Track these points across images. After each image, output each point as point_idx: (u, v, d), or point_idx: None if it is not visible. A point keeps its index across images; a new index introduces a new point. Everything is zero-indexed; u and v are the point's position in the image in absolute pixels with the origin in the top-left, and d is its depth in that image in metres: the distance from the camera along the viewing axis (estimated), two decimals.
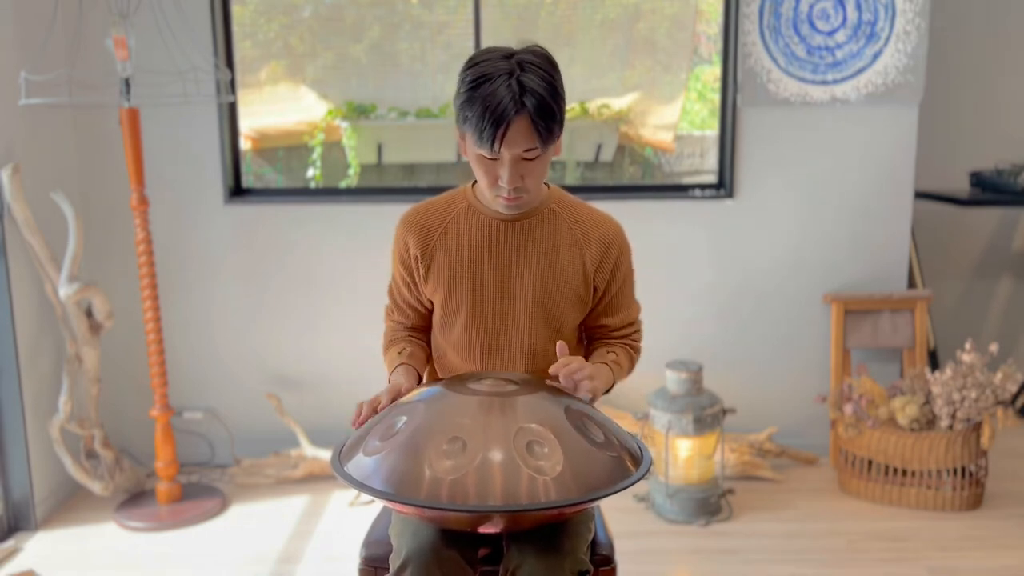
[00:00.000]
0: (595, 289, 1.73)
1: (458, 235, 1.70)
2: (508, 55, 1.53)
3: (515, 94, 1.48)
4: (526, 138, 1.51)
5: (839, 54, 3.13)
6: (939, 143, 3.67)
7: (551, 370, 1.56)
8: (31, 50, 2.85)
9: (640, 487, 3.07)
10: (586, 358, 1.81)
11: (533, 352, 1.71)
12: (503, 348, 1.70)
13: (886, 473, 2.99)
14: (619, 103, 3.38)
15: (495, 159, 1.55)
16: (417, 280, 1.73)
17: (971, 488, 2.93)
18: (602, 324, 1.78)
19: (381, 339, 1.84)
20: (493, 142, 1.50)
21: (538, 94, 1.48)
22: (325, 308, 3.29)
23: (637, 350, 1.82)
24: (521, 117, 1.49)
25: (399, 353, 1.74)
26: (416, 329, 1.81)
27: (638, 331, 1.82)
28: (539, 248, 1.70)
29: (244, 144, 3.33)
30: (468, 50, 3.17)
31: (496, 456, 1.32)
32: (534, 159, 1.55)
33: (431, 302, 1.76)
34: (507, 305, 1.70)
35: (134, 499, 3.06)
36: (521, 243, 1.69)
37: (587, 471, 1.35)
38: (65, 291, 2.80)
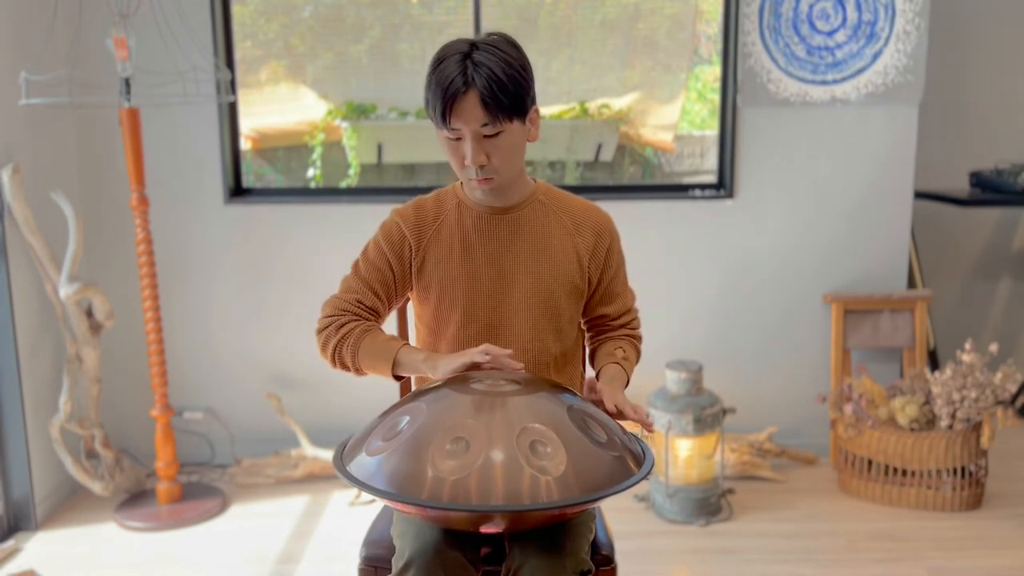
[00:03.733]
0: (589, 278, 1.74)
1: (450, 231, 1.70)
2: (470, 41, 1.57)
3: (465, 70, 1.52)
4: (477, 113, 1.53)
5: (839, 54, 3.13)
6: (939, 143, 3.68)
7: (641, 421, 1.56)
8: (31, 50, 2.84)
9: (640, 487, 3.07)
10: (592, 353, 1.83)
11: (531, 347, 1.71)
12: (501, 343, 1.70)
13: (886, 473, 2.99)
14: (619, 103, 3.38)
15: (459, 139, 1.57)
16: (401, 265, 1.70)
17: (971, 488, 2.93)
18: (602, 314, 1.79)
19: (327, 307, 1.71)
20: (444, 117, 1.54)
21: (487, 68, 1.52)
22: None
23: (639, 338, 1.84)
24: (471, 92, 1.52)
25: (393, 338, 1.66)
26: (372, 313, 1.70)
27: (636, 318, 1.84)
28: (531, 239, 1.70)
29: (244, 144, 3.33)
30: None
31: (499, 456, 1.32)
32: (496, 136, 1.56)
33: (392, 299, 1.72)
34: (503, 298, 1.70)
35: (134, 499, 3.06)
36: (513, 235, 1.70)
37: (590, 471, 1.35)
38: (65, 291, 2.80)
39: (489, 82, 1.51)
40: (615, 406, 1.58)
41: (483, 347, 1.55)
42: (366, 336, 1.65)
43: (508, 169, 1.62)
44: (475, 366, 1.55)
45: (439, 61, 1.55)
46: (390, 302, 1.72)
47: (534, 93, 1.61)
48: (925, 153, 3.48)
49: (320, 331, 1.69)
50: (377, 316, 1.71)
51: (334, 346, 1.66)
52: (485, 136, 1.56)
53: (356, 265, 1.74)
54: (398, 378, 1.65)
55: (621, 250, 1.79)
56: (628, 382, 1.73)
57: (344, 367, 1.67)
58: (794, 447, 3.31)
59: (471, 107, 1.53)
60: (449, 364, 1.56)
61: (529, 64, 1.59)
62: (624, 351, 1.77)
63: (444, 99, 1.52)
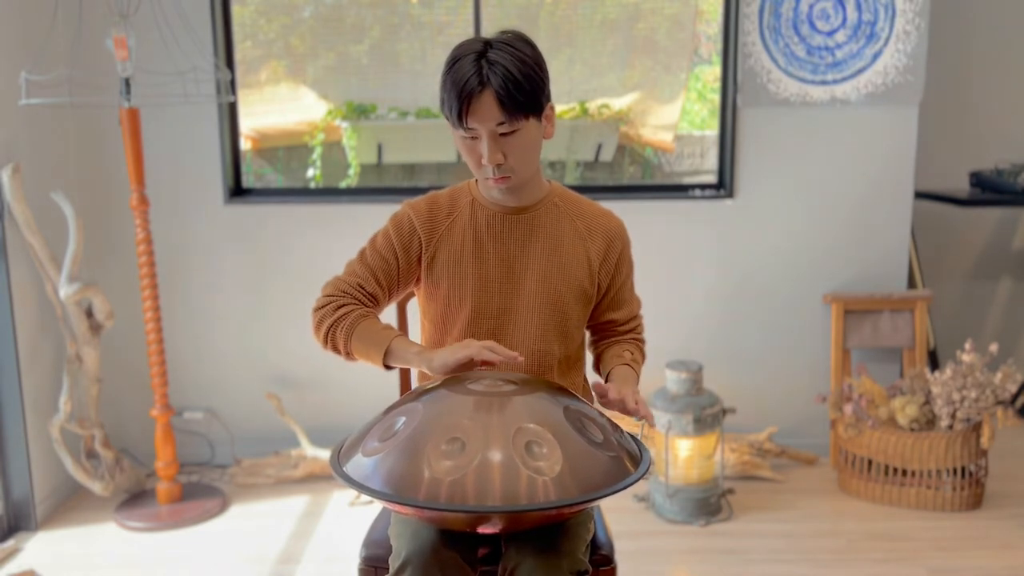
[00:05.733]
0: (599, 284, 1.74)
1: (463, 229, 1.70)
2: (484, 40, 1.57)
3: (480, 69, 1.52)
4: (493, 112, 1.53)
5: (839, 54, 3.13)
6: (939, 143, 3.67)
7: (607, 403, 1.55)
8: (31, 50, 2.85)
9: (640, 487, 3.07)
10: (597, 357, 1.83)
11: (537, 349, 1.71)
12: (507, 344, 1.69)
13: (886, 473, 2.99)
14: (619, 103, 3.38)
15: (474, 138, 1.57)
16: (408, 258, 1.70)
17: (971, 488, 2.93)
18: (609, 320, 1.80)
19: (328, 287, 1.70)
20: (460, 117, 1.54)
21: (502, 67, 1.51)
22: None
23: (643, 342, 1.86)
24: (486, 91, 1.52)
25: (388, 327, 1.66)
26: (372, 300, 1.69)
27: (641, 324, 1.86)
28: (543, 241, 1.70)
29: (244, 144, 3.33)
30: None
31: (495, 456, 1.32)
32: (512, 134, 1.56)
33: (394, 291, 1.72)
34: (512, 299, 1.70)
35: (134, 499, 3.06)
36: (525, 236, 1.70)
37: (586, 471, 1.35)
38: (65, 291, 2.80)
39: (505, 81, 1.51)
40: (618, 393, 1.56)
41: (488, 343, 1.54)
42: (362, 321, 1.64)
43: (525, 167, 1.62)
44: (471, 363, 1.53)
45: (454, 61, 1.55)
46: (391, 293, 1.72)
47: (549, 90, 1.61)
48: (925, 153, 3.48)
49: (317, 309, 1.68)
50: (376, 304, 1.70)
51: (329, 326, 1.64)
52: (501, 135, 1.56)
53: (363, 252, 1.73)
54: (388, 367, 1.64)
55: (631, 257, 1.79)
56: (638, 383, 1.74)
57: (335, 349, 1.66)
58: (794, 447, 3.31)
59: (487, 106, 1.53)
60: (446, 357, 1.54)
61: (544, 61, 1.59)
62: (632, 354, 1.77)
63: (460, 99, 1.52)
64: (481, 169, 1.61)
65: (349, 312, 1.65)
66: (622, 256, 1.75)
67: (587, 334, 1.86)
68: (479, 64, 1.52)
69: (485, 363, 1.54)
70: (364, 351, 1.63)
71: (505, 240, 1.70)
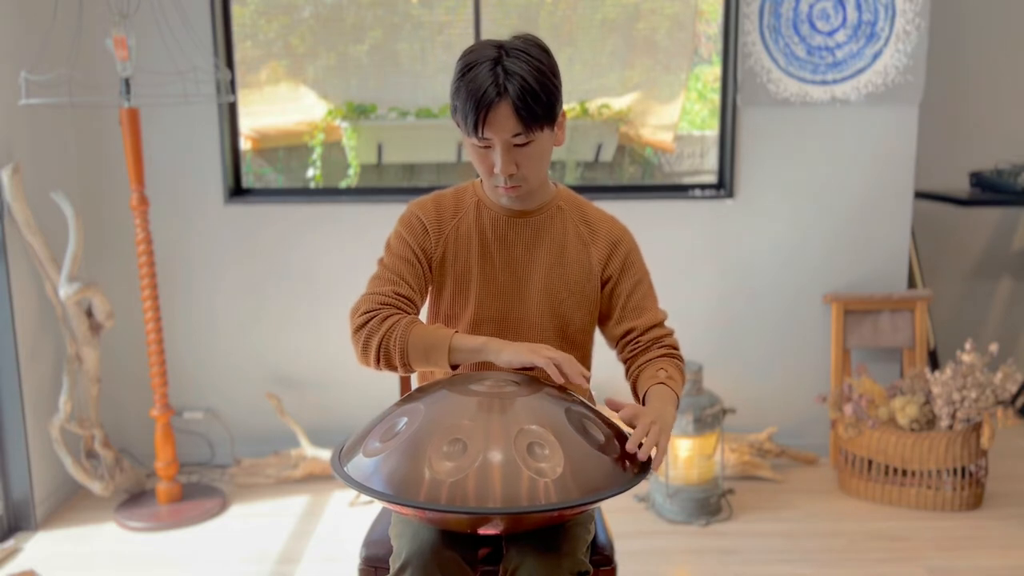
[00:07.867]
0: (603, 288, 1.71)
1: (468, 230, 1.69)
2: (498, 44, 1.54)
3: (497, 79, 1.49)
4: (510, 123, 1.50)
5: (839, 54, 3.13)
6: (939, 143, 3.67)
7: (628, 447, 1.42)
8: (31, 50, 2.84)
9: (640, 487, 3.07)
10: (632, 385, 1.70)
11: None
12: None
13: (886, 473, 2.99)
14: (619, 103, 3.38)
15: (487, 147, 1.55)
16: (426, 256, 1.67)
17: (971, 488, 2.93)
18: (629, 328, 1.70)
19: (363, 304, 1.61)
20: (476, 127, 1.51)
21: (520, 77, 1.48)
22: (325, 308, 3.29)
23: (680, 357, 1.70)
24: (503, 102, 1.49)
25: (440, 326, 1.59)
26: (410, 304, 1.63)
27: (669, 334, 1.71)
28: (548, 244, 1.69)
29: (244, 144, 3.33)
30: None
31: (496, 457, 1.32)
32: (527, 145, 1.54)
33: (424, 291, 1.69)
34: (515, 302, 1.69)
35: (134, 499, 3.06)
36: (531, 239, 1.69)
37: (587, 473, 1.35)
38: (65, 291, 2.80)
39: (523, 92, 1.48)
40: (629, 414, 1.47)
41: (559, 359, 1.47)
42: (413, 327, 1.55)
43: (536, 176, 1.60)
44: (534, 367, 1.49)
45: (468, 68, 1.51)
46: (422, 294, 1.67)
47: (562, 98, 1.57)
48: (925, 153, 3.48)
49: (359, 329, 1.57)
50: (415, 308, 1.63)
51: (379, 341, 1.54)
52: (516, 145, 1.53)
53: (382, 262, 1.68)
54: (454, 367, 1.56)
55: (642, 264, 1.73)
56: (678, 403, 1.59)
57: (389, 364, 1.56)
58: (794, 447, 3.31)
59: (504, 117, 1.50)
60: (513, 357, 1.49)
61: (558, 68, 1.55)
62: (667, 371, 1.62)
63: (477, 109, 1.49)
64: (492, 177, 1.59)
65: (397, 322, 1.56)
66: (627, 261, 1.71)
67: (617, 357, 1.75)
68: (495, 73, 1.48)
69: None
70: (423, 357, 1.55)
71: (510, 243, 1.69)
